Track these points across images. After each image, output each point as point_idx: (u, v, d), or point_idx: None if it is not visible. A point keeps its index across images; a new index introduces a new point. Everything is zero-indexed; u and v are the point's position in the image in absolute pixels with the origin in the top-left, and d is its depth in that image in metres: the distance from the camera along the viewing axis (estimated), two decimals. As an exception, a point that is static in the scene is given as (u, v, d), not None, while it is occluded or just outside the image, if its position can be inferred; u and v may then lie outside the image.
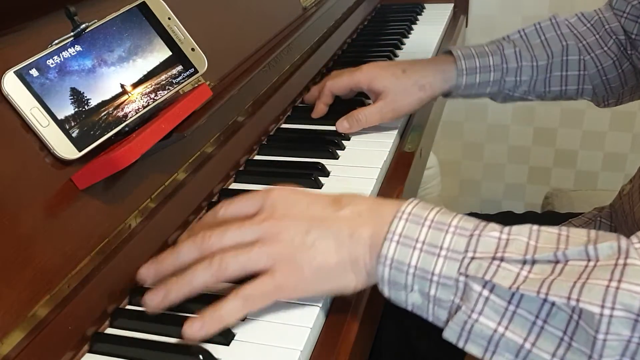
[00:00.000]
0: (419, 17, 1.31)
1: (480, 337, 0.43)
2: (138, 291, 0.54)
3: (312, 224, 0.48)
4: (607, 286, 0.39)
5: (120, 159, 0.50)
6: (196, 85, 0.63)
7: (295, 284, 0.47)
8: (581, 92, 0.83)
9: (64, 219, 0.49)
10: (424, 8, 1.36)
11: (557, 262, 0.42)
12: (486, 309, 0.42)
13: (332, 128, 0.81)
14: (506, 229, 0.45)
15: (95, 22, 0.56)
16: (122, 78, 0.57)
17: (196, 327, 0.46)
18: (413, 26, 1.25)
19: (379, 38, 1.19)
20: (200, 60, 0.63)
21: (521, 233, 0.44)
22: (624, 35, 0.80)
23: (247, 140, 0.76)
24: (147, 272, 0.51)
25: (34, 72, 0.50)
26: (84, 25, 0.55)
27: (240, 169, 0.74)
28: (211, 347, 0.47)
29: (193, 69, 0.62)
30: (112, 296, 0.52)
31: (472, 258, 0.43)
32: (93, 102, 0.54)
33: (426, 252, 0.44)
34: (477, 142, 1.83)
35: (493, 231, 0.44)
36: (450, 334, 0.45)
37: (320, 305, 0.50)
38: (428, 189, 1.56)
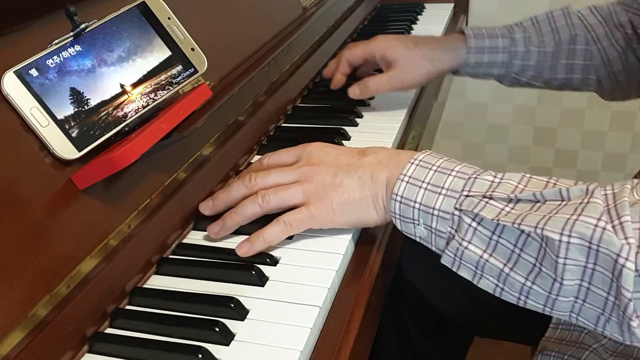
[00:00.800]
0: (419, 17, 1.31)
1: (469, 263, 0.50)
2: (138, 291, 0.54)
3: (340, 168, 0.57)
4: (568, 218, 0.44)
5: (120, 159, 0.50)
6: (196, 85, 0.63)
7: (325, 215, 0.56)
8: (586, 82, 0.84)
9: (64, 219, 0.49)
10: (424, 8, 1.36)
11: (537, 201, 0.48)
12: (474, 238, 0.49)
13: (333, 127, 0.81)
14: (500, 174, 0.51)
15: (95, 22, 0.56)
16: (122, 78, 0.57)
17: (246, 247, 0.56)
18: (413, 26, 1.25)
19: (379, 38, 1.18)
20: (200, 60, 0.63)
21: (512, 178, 0.51)
22: (631, 29, 0.80)
23: (247, 140, 0.76)
24: (205, 206, 0.61)
25: (33, 72, 0.50)
26: (83, 25, 0.54)
27: (240, 169, 0.73)
28: (211, 347, 0.47)
29: (193, 69, 0.62)
30: (112, 296, 0.52)
31: (467, 196, 0.50)
32: (93, 102, 0.54)
33: (429, 191, 0.52)
34: (477, 142, 1.83)
35: (488, 175, 0.51)
36: (446, 260, 0.52)
37: (320, 305, 0.50)
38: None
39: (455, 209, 0.50)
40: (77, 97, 0.53)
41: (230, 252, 0.58)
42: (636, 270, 0.42)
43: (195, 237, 0.62)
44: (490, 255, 0.49)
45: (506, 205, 0.48)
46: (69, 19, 0.53)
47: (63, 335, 0.46)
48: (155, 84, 0.59)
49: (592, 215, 0.44)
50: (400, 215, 0.54)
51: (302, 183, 0.57)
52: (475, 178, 0.51)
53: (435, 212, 0.51)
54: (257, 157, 0.77)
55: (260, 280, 0.54)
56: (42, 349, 0.44)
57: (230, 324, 0.49)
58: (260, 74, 0.79)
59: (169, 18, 0.61)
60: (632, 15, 0.79)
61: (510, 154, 1.81)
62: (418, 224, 0.53)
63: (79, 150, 0.51)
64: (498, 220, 0.47)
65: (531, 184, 0.50)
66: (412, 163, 0.54)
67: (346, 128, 0.80)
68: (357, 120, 0.83)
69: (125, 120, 0.55)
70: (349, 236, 0.58)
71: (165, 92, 0.60)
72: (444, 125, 1.74)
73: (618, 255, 0.42)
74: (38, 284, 0.45)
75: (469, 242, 0.49)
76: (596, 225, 0.43)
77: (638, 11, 0.78)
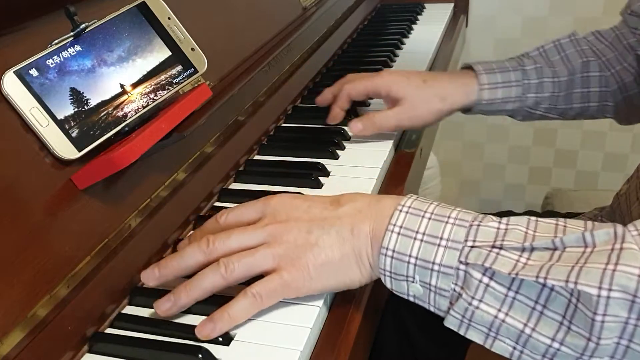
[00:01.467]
0: (419, 17, 1.31)
1: (481, 324, 0.44)
2: (138, 291, 0.54)
3: (313, 224, 0.50)
4: (604, 269, 0.39)
5: (120, 159, 0.50)
6: (196, 85, 0.63)
7: (302, 282, 0.48)
8: (602, 110, 0.82)
9: (64, 219, 0.49)
10: (424, 8, 1.36)
11: (555, 249, 0.43)
12: (486, 296, 0.43)
13: (333, 128, 0.81)
14: (504, 219, 0.46)
15: (95, 22, 0.56)
16: (122, 78, 0.57)
17: (208, 329, 0.47)
18: (413, 26, 1.25)
19: (379, 38, 1.19)
20: (200, 60, 0.63)
21: (519, 223, 0.45)
22: None
23: (247, 140, 0.76)
24: (150, 275, 0.51)
25: (33, 72, 0.50)
26: (83, 25, 0.54)
27: (240, 169, 0.74)
28: (211, 347, 0.47)
29: (193, 69, 0.62)
30: (112, 296, 0.52)
31: (472, 247, 0.44)
32: (93, 102, 0.54)
33: (426, 243, 0.46)
34: (477, 142, 1.83)
35: (492, 222, 0.46)
36: (451, 322, 0.46)
37: (320, 305, 0.50)
38: (428, 189, 1.56)
39: (460, 262, 0.44)
40: (77, 97, 0.53)
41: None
42: None
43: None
44: (507, 314, 0.43)
45: (520, 256, 0.43)
46: (69, 19, 0.53)
47: (63, 335, 0.46)
48: (155, 84, 0.59)
49: (633, 264, 0.39)
50: (391, 273, 0.47)
51: (271, 245, 0.49)
52: (479, 225, 0.45)
53: (436, 267, 0.45)
54: (257, 157, 0.77)
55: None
56: (42, 349, 0.44)
57: (230, 324, 0.49)
58: (260, 74, 0.79)
59: (169, 18, 0.61)
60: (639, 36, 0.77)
61: (510, 154, 1.81)
62: (413, 282, 0.47)
63: (79, 150, 0.51)
64: (516, 274, 0.42)
65: (540, 228, 0.45)
66: (400, 211, 0.48)
67: (346, 128, 0.80)
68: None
69: (125, 120, 0.55)
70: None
71: (165, 92, 0.60)
72: (444, 125, 1.73)
73: None
74: (38, 284, 0.45)
75: (480, 301, 0.44)
76: (632, 275, 0.39)
77: None
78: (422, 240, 0.46)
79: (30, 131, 0.49)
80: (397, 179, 0.72)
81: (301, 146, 0.77)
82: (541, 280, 0.41)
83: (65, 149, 0.50)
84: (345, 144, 0.77)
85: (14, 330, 0.42)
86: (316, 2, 1.05)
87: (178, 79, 0.61)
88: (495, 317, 0.43)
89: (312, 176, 0.68)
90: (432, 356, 0.92)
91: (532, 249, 0.43)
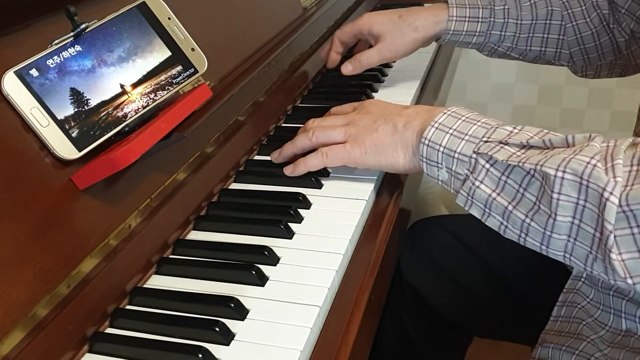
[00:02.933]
0: (419, 17, 1.30)
1: (480, 201, 0.55)
2: (138, 291, 0.54)
3: (381, 117, 0.66)
4: (565, 157, 0.48)
5: (120, 159, 0.50)
6: (196, 85, 0.63)
7: (358, 154, 0.65)
8: (559, 57, 0.89)
9: (64, 219, 0.49)
10: (424, 8, 1.36)
11: (546, 148, 0.52)
12: (486, 179, 0.54)
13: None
14: (520, 126, 0.56)
15: (95, 22, 0.56)
16: (122, 78, 0.57)
17: (290, 169, 0.68)
18: (413, 26, 1.25)
19: (379, 38, 1.18)
20: (200, 60, 0.63)
21: (531, 130, 0.55)
22: (607, 9, 0.84)
23: (247, 140, 0.76)
24: (273, 153, 0.72)
25: (34, 72, 0.50)
26: (83, 26, 0.54)
27: (240, 169, 0.74)
28: (211, 347, 0.47)
29: (193, 69, 0.62)
30: (112, 296, 0.52)
31: (486, 142, 0.55)
32: (93, 102, 0.54)
33: (454, 137, 0.57)
34: (477, 142, 1.83)
35: (509, 126, 0.56)
36: (460, 200, 0.57)
37: (320, 305, 0.50)
38: (428, 189, 1.56)
39: (474, 152, 0.55)
40: (77, 97, 0.53)
41: (231, 251, 0.58)
42: (619, 205, 0.45)
43: (195, 237, 0.62)
44: (498, 194, 0.53)
45: (518, 150, 0.53)
46: (69, 19, 0.53)
47: (63, 335, 0.46)
48: (155, 84, 0.59)
49: (587, 154, 0.48)
50: (426, 159, 0.59)
51: (347, 126, 0.66)
52: (497, 128, 0.56)
53: (456, 155, 0.56)
54: (257, 157, 0.77)
55: (261, 280, 0.54)
56: (42, 349, 0.44)
57: (230, 324, 0.49)
58: (260, 74, 0.79)
59: (169, 18, 0.62)
60: None
61: (510, 154, 1.81)
62: (441, 167, 0.58)
63: (79, 150, 0.51)
64: (508, 161, 0.52)
65: (547, 136, 0.53)
66: (445, 113, 0.59)
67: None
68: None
69: (125, 121, 0.55)
70: (348, 236, 0.58)
71: (165, 92, 0.60)
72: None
73: (604, 189, 0.46)
74: (38, 284, 0.45)
75: (481, 182, 0.54)
76: (588, 163, 0.47)
77: None
78: (451, 135, 0.57)
79: (30, 131, 0.49)
80: (397, 179, 0.72)
81: (301, 146, 0.77)
82: (521, 165, 0.51)
83: (65, 149, 0.50)
84: (345, 144, 0.77)
85: (14, 330, 0.43)
86: (316, 2, 1.05)
87: (178, 79, 0.61)
88: (489, 195, 0.54)
89: (311, 176, 0.68)
90: (431, 357, 0.92)
91: (529, 147, 0.53)
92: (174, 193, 0.60)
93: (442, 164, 0.58)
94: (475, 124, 0.57)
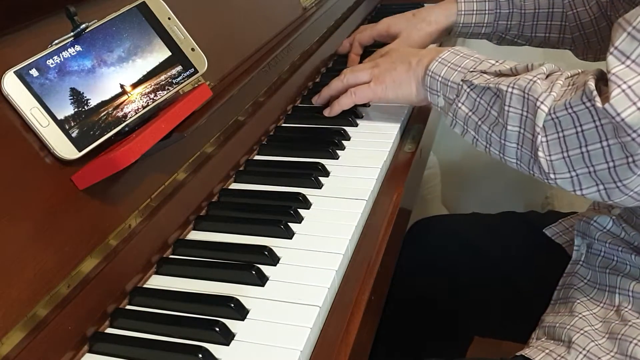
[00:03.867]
0: (419, 17, 1.30)
1: (460, 120, 0.66)
2: (138, 291, 0.54)
3: (400, 57, 0.78)
4: (519, 77, 0.59)
5: (120, 159, 0.50)
6: (196, 85, 0.63)
7: (380, 90, 0.77)
8: (562, 41, 0.96)
9: (64, 219, 0.49)
10: (424, 8, 1.36)
11: (513, 74, 0.62)
12: (466, 101, 0.65)
13: (333, 127, 0.81)
14: (502, 60, 0.66)
15: (95, 22, 0.56)
16: (122, 78, 0.57)
17: (327, 111, 0.81)
18: (413, 26, 1.25)
19: (379, 38, 1.18)
20: (200, 60, 0.63)
21: (510, 63, 0.64)
22: None
23: (247, 140, 0.76)
24: (314, 98, 0.85)
25: (34, 72, 0.50)
26: (83, 26, 0.54)
27: (240, 169, 0.74)
28: (211, 347, 0.47)
29: (193, 69, 0.62)
30: (112, 296, 0.52)
31: (471, 72, 0.65)
32: (93, 102, 0.54)
33: (450, 69, 0.68)
34: (477, 142, 1.82)
35: (493, 60, 0.66)
36: (448, 120, 0.68)
37: (320, 305, 0.50)
38: (428, 189, 1.56)
39: (462, 80, 0.65)
40: (77, 97, 0.53)
41: (231, 251, 0.58)
42: (548, 113, 0.55)
43: (195, 237, 0.62)
44: (473, 113, 0.64)
45: (492, 77, 0.63)
46: (69, 19, 0.53)
47: (63, 335, 0.46)
48: (155, 84, 0.59)
49: (533, 74, 0.58)
50: (429, 88, 0.70)
51: (372, 68, 0.79)
52: (483, 61, 0.66)
53: (449, 83, 0.67)
54: (257, 157, 0.77)
55: (261, 280, 0.54)
56: (42, 349, 0.44)
57: (230, 324, 0.49)
58: (260, 74, 0.79)
59: (169, 18, 0.61)
60: None
61: (510, 153, 1.81)
62: (439, 95, 0.69)
63: (79, 151, 0.51)
64: (482, 85, 0.62)
65: (518, 65, 0.62)
66: (449, 51, 0.70)
67: (346, 128, 0.80)
68: (357, 120, 0.83)
69: (125, 121, 0.55)
70: (348, 236, 0.58)
71: (165, 92, 0.60)
72: (444, 125, 1.74)
73: (537, 99, 0.55)
74: (38, 284, 0.45)
75: (462, 104, 0.65)
76: (531, 80, 0.57)
77: None
78: (448, 67, 0.68)
79: (30, 131, 0.49)
80: (397, 178, 0.72)
81: (301, 146, 0.77)
82: (489, 86, 0.62)
83: (65, 149, 0.50)
84: (345, 144, 0.77)
85: (14, 330, 0.43)
86: (316, 2, 1.04)
87: (178, 79, 0.61)
88: (467, 114, 0.65)
89: (312, 176, 0.68)
90: (431, 357, 0.92)
91: (501, 74, 0.63)
92: (174, 193, 0.60)
93: (440, 92, 0.69)
94: (469, 59, 0.67)
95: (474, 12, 0.96)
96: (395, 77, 0.76)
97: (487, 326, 0.88)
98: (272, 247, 0.57)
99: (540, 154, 0.55)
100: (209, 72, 0.64)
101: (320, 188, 0.68)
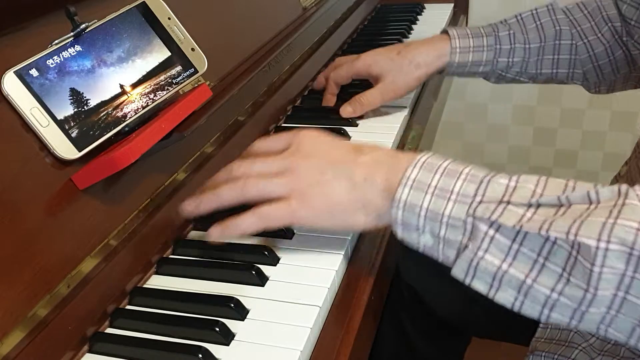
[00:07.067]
0: (419, 17, 1.31)
1: (485, 274, 0.45)
2: (138, 291, 0.54)
3: (330, 165, 0.53)
4: (605, 222, 0.40)
5: (120, 159, 0.50)
6: (196, 85, 0.63)
7: (305, 215, 0.52)
8: (572, 76, 0.85)
9: (63, 219, 0.49)
10: (424, 8, 1.36)
11: (560, 205, 0.44)
12: (491, 247, 0.45)
13: (333, 127, 0.81)
14: (515, 176, 0.47)
15: (95, 22, 0.56)
16: (122, 78, 0.57)
17: (218, 231, 0.54)
18: (413, 26, 1.25)
19: (379, 38, 1.18)
20: (200, 60, 0.63)
21: (529, 181, 0.46)
22: (620, 22, 0.81)
23: (247, 140, 0.75)
24: (190, 202, 0.57)
25: (33, 72, 0.50)
26: (83, 26, 0.54)
27: (240, 169, 0.73)
28: (211, 347, 0.47)
29: (193, 69, 0.62)
30: (112, 296, 0.52)
31: (480, 202, 0.46)
32: (92, 102, 0.54)
33: (437, 196, 0.47)
34: (477, 142, 1.83)
35: (502, 178, 0.47)
36: (458, 272, 0.47)
37: (320, 305, 0.50)
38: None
39: (468, 215, 0.46)
40: (77, 97, 0.53)
41: (231, 251, 0.58)
42: None
43: (195, 237, 0.62)
44: (510, 265, 0.44)
45: (527, 211, 0.44)
46: (69, 19, 0.53)
47: (63, 335, 0.46)
48: (155, 85, 0.59)
49: (632, 218, 0.40)
50: (402, 223, 0.49)
51: (287, 175, 0.53)
52: (489, 182, 0.47)
53: (445, 219, 0.47)
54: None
55: (261, 280, 0.54)
56: (42, 349, 0.44)
57: (230, 324, 0.49)
58: (260, 74, 0.79)
59: (169, 18, 0.62)
60: (626, 7, 0.80)
61: (510, 154, 1.81)
62: (423, 232, 0.49)
63: (79, 150, 0.51)
64: (520, 227, 0.43)
65: (550, 186, 0.46)
66: (415, 165, 0.50)
67: (346, 128, 0.80)
68: (357, 120, 0.83)
69: (125, 121, 0.55)
70: (349, 236, 0.58)
71: (165, 92, 0.60)
72: (444, 125, 1.74)
73: None
74: (38, 284, 0.45)
75: (486, 252, 0.45)
76: (638, 229, 0.39)
77: (633, 2, 0.78)
78: (433, 194, 0.48)
79: (30, 131, 0.49)
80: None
81: (301, 146, 0.77)
82: (544, 233, 0.42)
83: (65, 149, 0.50)
84: (345, 144, 0.77)
85: (14, 330, 0.43)
86: (316, 2, 1.05)
87: (178, 79, 0.61)
88: (499, 267, 0.45)
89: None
90: (430, 357, 0.92)
91: (539, 205, 0.44)
92: (174, 193, 0.60)
93: (424, 229, 0.48)
94: (458, 178, 0.48)
95: (471, 50, 0.82)
96: (329, 200, 0.52)
97: (485, 327, 0.88)
98: (272, 247, 0.57)
99: None
100: (209, 72, 0.64)
101: (320, 188, 0.68)
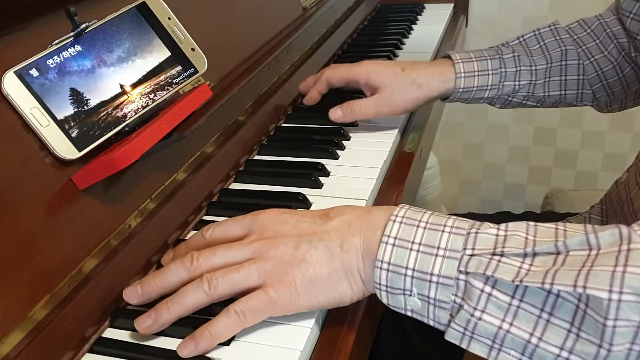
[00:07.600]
0: (419, 17, 1.31)
1: (485, 336, 0.42)
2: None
3: (301, 239, 0.48)
4: (614, 271, 0.37)
5: (120, 159, 0.50)
6: (196, 85, 0.63)
7: (288, 299, 0.47)
8: (581, 97, 0.83)
9: (64, 219, 0.49)
10: (424, 8, 1.36)
11: (558, 253, 0.41)
12: (489, 306, 0.41)
13: (333, 127, 0.81)
14: (502, 225, 0.44)
15: (95, 22, 0.56)
16: (122, 78, 0.57)
17: (190, 348, 0.45)
18: (413, 26, 1.25)
19: (379, 38, 1.19)
20: (200, 60, 0.63)
21: (518, 228, 0.43)
22: (625, 38, 0.79)
23: (247, 140, 0.76)
24: (133, 293, 0.50)
25: (33, 72, 0.50)
26: (83, 25, 0.54)
27: (240, 169, 0.74)
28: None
29: (193, 69, 0.62)
30: (112, 296, 0.52)
31: (471, 255, 0.42)
32: (93, 102, 0.54)
33: (423, 253, 0.44)
34: (477, 142, 1.83)
35: (490, 228, 0.44)
36: (453, 336, 0.44)
37: (320, 305, 0.50)
38: (428, 189, 1.56)
39: (460, 272, 0.42)
40: (77, 97, 0.53)
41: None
42: None
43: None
44: (511, 324, 0.41)
45: (523, 262, 0.41)
46: (69, 19, 0.53)
47: (63, 336, 0.46)
48: (155, 85, 0.59)
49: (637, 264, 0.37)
50: (387, 287, 0.46)
51: (257, 261, 0.47)
52: (477, 233, 0.44)
53: (434, 279, 0.43)
54: (257, 157, 0.77)
55: (260, 280, 0.53)
56: (42, 349, 0.44)
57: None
58: (260, 74, 0.79)
59: (169, 18, 0.62)
60: (630, 21, 0.77)
61: (510, 154, 1.81)
62: (410, 295, 0.45)
63: (79, 150, 0.51)
64: (520, 281, 0.40)
65: (540, 232, 0.43)
66: (394, 221, 0.46)
67: (346, 128, 0.81)
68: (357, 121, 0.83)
69: (125, 121, 0.55)
70: None
71: (165, 92, 0.60)
72: (444, 125, 1.74)
73: None
74: (38, 284, 0.45)
75: (483, 312, 0.42)
76: None
77: (637, 17, 0.76)
78: (418, 251, 0.44)
79: (30, 131, 0.49)
80: (397, 179, 0.72)
81: (301, 146, 0.78)
82: (547, 287, 0.39)
83: (65, 149, 0.50)
84: (345, 144, 0.77)
85: (14, 330, 0.42)
86: (316, 2, 1.05)
87: (178, 79, 0.61)
88: (500, 327, 0.41)
89: (312, 176, 0.68)
90: (429, 357, 0.92)
91: (535, 254, 0.42)
92: (174, 193, 0.60)
93: (411, 291, 0.45)
94: (443, 231, 0.44)
95: (476, 74, 0.79)
96: (308, 274, 0.47)
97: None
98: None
99: None
100: (209, 72, 0.64)
101: (320, 188, 0.68)
